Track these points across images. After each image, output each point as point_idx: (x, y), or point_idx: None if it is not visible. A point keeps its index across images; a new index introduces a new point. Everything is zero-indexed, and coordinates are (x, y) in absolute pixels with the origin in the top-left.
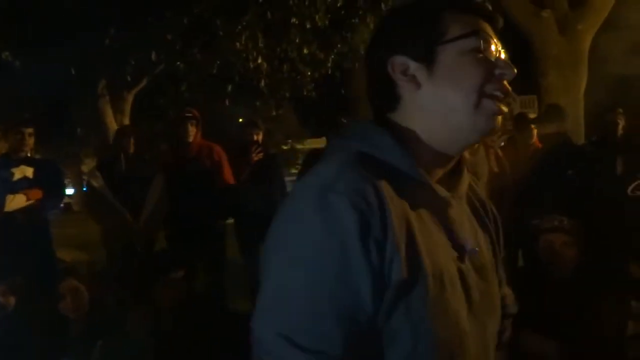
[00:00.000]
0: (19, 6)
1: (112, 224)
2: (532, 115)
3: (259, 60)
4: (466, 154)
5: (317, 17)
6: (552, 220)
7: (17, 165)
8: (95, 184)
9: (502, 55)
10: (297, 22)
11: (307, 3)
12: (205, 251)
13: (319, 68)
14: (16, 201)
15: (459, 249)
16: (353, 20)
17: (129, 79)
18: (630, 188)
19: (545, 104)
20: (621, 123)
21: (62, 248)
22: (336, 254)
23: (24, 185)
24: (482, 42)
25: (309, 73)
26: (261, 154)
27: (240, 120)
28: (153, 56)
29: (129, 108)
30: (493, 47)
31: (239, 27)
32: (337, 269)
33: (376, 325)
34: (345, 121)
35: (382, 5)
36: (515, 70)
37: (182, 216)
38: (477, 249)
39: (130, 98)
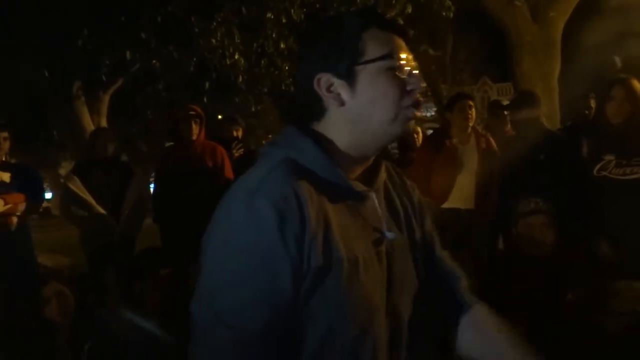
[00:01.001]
0: None
1: (91, 227)
2: (505, 103)
3: (236, 56)
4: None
5: (292, 11)
6: (529, 203)
7: None
8: (72, 187)
9: (414, 68)
10: (272, 16)
11: None
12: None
13: (296, 62)
14: None
15: (377, 235)
16: (329, 13)
17: (104, 79)
18: (596, 169)
19: (518, 90)
20: (593, 108)
21: (43, 253)
22: (260, 248)
23: (1, 190)
24: (396, 61)
25: (287, 67)
26: (242, 150)
27: (220, 117)
28: (128, 55)
29: (105, 109)
30: (406, 63)
31: (214, 23)
32: (261, 260)
33: (296, 307)
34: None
35: None
36: (424, 84)
37: (183, 215)
38: (393, 234)
39: (106, 99)
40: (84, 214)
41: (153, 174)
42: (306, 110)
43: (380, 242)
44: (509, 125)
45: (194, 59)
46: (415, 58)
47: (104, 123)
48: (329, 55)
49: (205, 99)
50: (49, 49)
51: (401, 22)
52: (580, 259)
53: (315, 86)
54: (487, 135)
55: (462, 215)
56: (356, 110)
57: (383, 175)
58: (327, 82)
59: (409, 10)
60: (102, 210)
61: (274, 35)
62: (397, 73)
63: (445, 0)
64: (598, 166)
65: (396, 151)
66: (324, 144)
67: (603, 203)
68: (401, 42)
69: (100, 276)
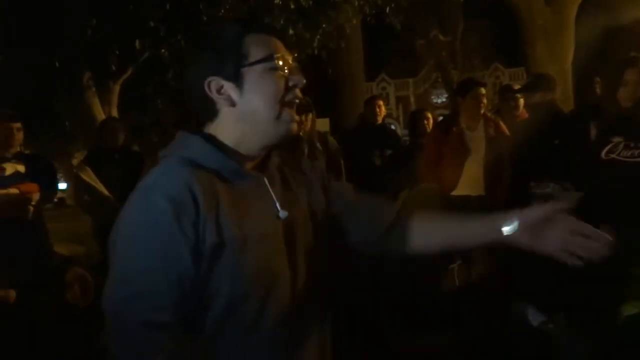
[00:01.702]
0: None
1: (103, 215)
2: (517, 87)
3: None
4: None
5: None
6: (545, 186)
7: (7, 161)
8: (84, 176)
9: (292, 66)
10: (280, 2)
11: None
12: None
13: (305, 49)
14: (9, 196)
15: (273, 213)
16: (336, 0)
17: (113, 69)
18: (604, 151)
19: (532, 74)
20: (599, 91)
21: (58, 242)
22: (159, 237)
23: (16, 180)
24: (277, 61)
25: (296, 54)
26: None
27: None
28: (137, 44)
29: (115, 99)
30: (284, 62)
31: (222, 10)
32: (162, 247)
33: (199, 283)
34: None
35: None
36: (304, 80)
37: None
38: (286, 212)
39: (116, 89)
40: (95, 203)
41: None
42: (199, 113)
43: (277, 218)
44: (520, 110)
45: None
46: (427, 44)
47: (114, 113)
48: (216, 59)
49: None
50: (58, 40)
51: (410, 7)
52: None
53: (207, 89)
54: (497, 120)
55: (472, 201)
56: (245, 109)
57: (274, 161)
58: (217, 85)
59: None
60: (113, 199)
61: (282, 22)
62: (279, 72)
63: None
64: (606, 149)
65: (407, 138)
66: (214, 141)
67: (611, 185)
68: (279, 44)
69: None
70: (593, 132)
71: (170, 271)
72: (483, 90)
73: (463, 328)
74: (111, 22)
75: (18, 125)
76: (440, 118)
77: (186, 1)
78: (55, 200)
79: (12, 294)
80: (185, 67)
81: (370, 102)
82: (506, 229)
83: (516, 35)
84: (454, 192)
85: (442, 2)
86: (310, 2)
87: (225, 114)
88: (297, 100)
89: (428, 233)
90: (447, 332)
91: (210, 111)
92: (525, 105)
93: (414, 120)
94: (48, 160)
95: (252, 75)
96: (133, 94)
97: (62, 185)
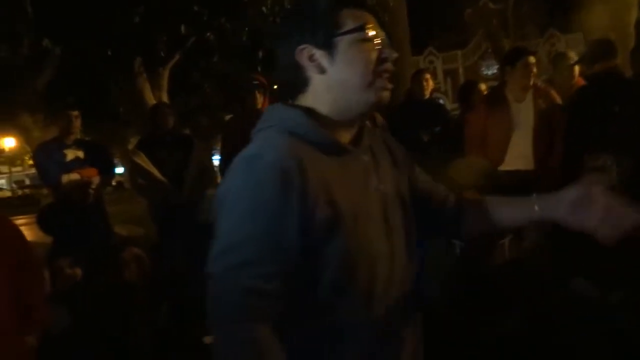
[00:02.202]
0: None
1: (157, 198)
2: (572, 55)
3: None
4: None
5: None
6: (596, 159)
7: (68, 147)
8: (138, 160)
9: (384, 41)
10: None
11: None
12: None
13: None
14: (71, 180)
15: (370, 189)
16: None
17: (162, 54)
18: None
19: (590, 41)
20: None
21: (117, 223)
22: (265, 205)
23: (76, 165)
24: (369, 33)
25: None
26: None
27: (275, 86)
28: (182, 29)
29: (165, 84)
30: (377, 35)
31: None
32: (268, 218)
33: (306, 257)
34: None
35: None
36: (396, 54)
37: None
38: (380, 186)
39: (165, 74)
40: (150, 186)
41: (215, 147)
42: (291, 84)
43: (373, 194)
44: (576, 79)
45: (246, 29)
46: (476, 13)
47: (164, 98)
48: (308, 28)
49: (259, 69)
50: (109, 30)
51: None
52: None
53: (298, 57)
54: (548, 90)
55: (522, 176)
56: (335, 77)
57: (367, 136)
58: (309, 52)
59: None
60: (166, 182)
61: None
62: (369, 43)
63: None
64: None
65: (456, 113)
66: (309, 112)
67: None
68: (372, 18)
69: (169, 244)
70: None
71: (275, 240)
72: (533, 59)
73: (521, 306)
74: (157, 7)
75: (76, 113)
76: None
77: None
78: (114, 183)
79: (79, 272)
80: (279, 37)
81: (417, 77)
82: (538, 208)
83: None
84: (502, 167)
85: None
86: None
87: (316, 83)
88: (387, 74)
89: (473, 219)
90: (507, 312)
91: (301, 80)
92: (582, 74)
93: (466, 93)
94: (105, 146)
95: (344, 44)
96: (181, 78)
97: (120, 170)
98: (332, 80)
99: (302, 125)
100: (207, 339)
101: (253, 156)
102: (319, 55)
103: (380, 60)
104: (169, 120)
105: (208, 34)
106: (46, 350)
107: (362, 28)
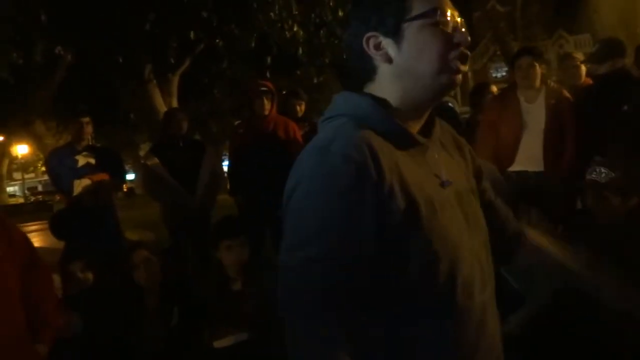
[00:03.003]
0: (63, 3)
1: (170, 202)
2: (578, 55)
3: (295, 29)
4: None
5: None
6: (591, 171)
7: (79, 154)
8: (152, 165)
9: (459, 24)
10: None
11: None
12: (273, 220)
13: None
14: (82, 185)
15: (440, 181)
16: None
17: (172, 61)
18: None
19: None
20: None
21: (129, 229)
22: (338, 197)
23: (87, 171)
24: (439, 16)
25: None
26: (307, 128)
27: (284, 92)
28: (192, 36)
29: (175, 90)
30: (450, 19)
31: None
32: (343, 208)
33: (385, 249)
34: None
35: None
36: (469, 38)
37: (257, 188)
38: (451, 180)
39: (175, 80)
40: (164, 191)
41: (224, 153)
42: (358, 72)
43: (443, 186)
44: (583, 78)
45: (255, 35)
46: (484, 16)
47: (175, 104)
48: (376, 15)
49: (267, 74)
50: (120, 36)
51: None
52: None
53: (364, 46)
54: (560, 90)
55: (531, 177)
56: (403, 65)
57: (438, 128)
58: (375, 41)
59: None
60: (179, 187)
61: (331, 4)
62: (441, 27)
63: None
64: None
65: (466, 116)
66: (379, 101)
67: None
68: (445, 0)
69: (181, 247)
70: None
71: (353, 232)
72: (529, 60)
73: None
74: (167, 15)
75: (87, 119)
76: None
77: None
78: (125, 189)
79: (90, 276)
80: (347, 24)
81: None
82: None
83: (580, 0)
84: (512, 168)
85: None
86: None
87: (384, 72)
88: (460, 59)
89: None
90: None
91: (368, 69)
92: (589, 75)
93: (478, 95)
94: (115, 151)
95: (412, 30)
96: (191, 84)
97: (130, 176)
98: (399, 69)
99: (372, 114)
100: (217, 344)
101: (324, 147)
102: (386, 43)
103: (452, 45)
104: (183, 126)
105: (217, 40)
106: (58, 354)
107: (432, 12)
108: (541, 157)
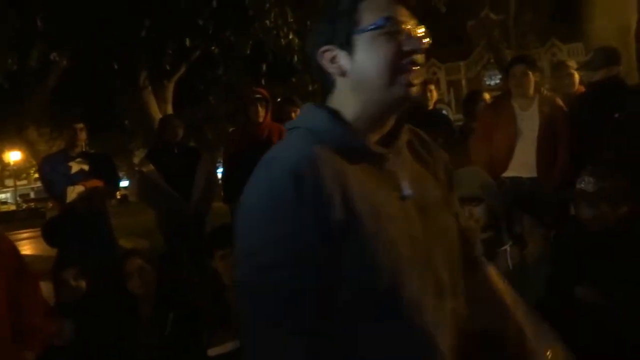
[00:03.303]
0: (60, 8)
1: (166, 209)
2: (571, 63)
3: (290, 36)
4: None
5: None
6: (580, 181)
7: (73, 160)
8: (147, 171)
9: (412, 31)
10: None
11: None
12: None
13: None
14: (76, 192)
15: (400, 193)
16: None
17: (168, 67)
18: None
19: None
20: None
21: (122, 236)
22: (280, 211)
23: (81, 177)
24: (391, 26)
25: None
26: None
27: (278, 99)
28: (188, 42)
29: (171, 96)
30: (403, 26)
31: (267, 4)
32: (283, 220)
33: (325, 262)
34: None
35: None
36: (427, 40)
37: None
38: (414, 192)
39: (171, 87)
40: (158, 197)
41: (219, 159)
42: (322, 84)
43: (404, 199)
44: (576, 86)
45: (250, 42)
46: (478, 24)
47: (170, 110)
48: (329, 28)
49: (263, 81)
50: (115, 42)
51: None
52: None
53: (319, 59)
54: (554, 98)
55: (525, 183)
56: (356, 77)
57: (404, 137)
58: (330, 54)
59: None
60: (175, 193)
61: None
62: (392, 37)
63: None
64: None
65: (459, 123)
66: (338, 115)
67: None
68: (399, 7)
69: (176, 254)
70: None
71: (295, 242)
72: (522, 68)
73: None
74: (163, 22)
75: (81, 125)
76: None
77: None
78: (119, 196)
79: (83, 284)
80: (307, 38)
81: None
82: None
83: (573, 9)
84: (506, 174)
85: None
86: None
87: (340, 85)
88: (414, 67)
89: (482, 298)
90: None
91: (327, 82)
92: (582, 82)
93: (471, 102)
94: (108, 157)
95: (363, 41)
96: (186, 91)
97: (124, 183)
98: (353, 81)
99: (326, 126)
100: (211, 352)
101: (270, 158)
102: (340, 56)
103: (402, 53)
104: (178, 132)
105: (213, 47)
106: None
107: (383, 21)
108: (534, 164)
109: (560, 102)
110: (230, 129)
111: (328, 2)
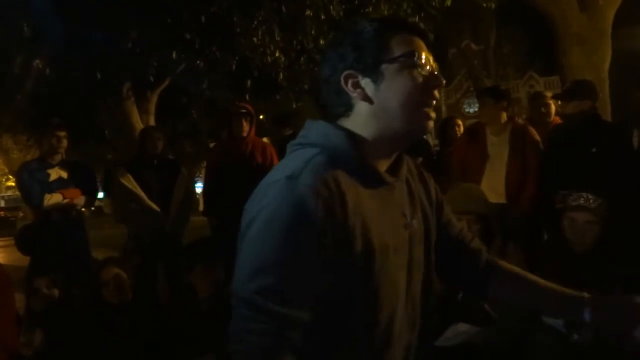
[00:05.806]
0: (44, 15)
1: (144, 221)
2: (548, 94)
3: (277, 54)
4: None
5: (331, 7)
6: (578, 197)
7: (52, 167)
8: (126, 183)
9: (433, 66)
10: (311, 14)
11: None
12: None
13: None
14: (54, 199)
15: (405, 222)
16: (367, 10)
17: (152, 79)
18: None
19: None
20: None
21: (95, 248)
22: (302, 231)
23: (59, 185)
24: (417, 60)
25: None
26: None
27: (261, 117)
28: (174, 55)
29: (153, 108)
30: (425, 61)
31: (255, 22)
32: (303, 241)
33: (335, 288)
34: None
35: None
36: (444, 80)
37: (232, 209)
38: (414, 221)
39: (154, 98)
40: (137, 209)
41: (197, 173)
42: (334, 106)
43: (406, 228)
44: (552, 117)
45: (236, 58)
46: (459, 53)
47: (152, 122)
48: (355, 54)
49: (247, 97)
50: (99, 52)
51: (441, 16)
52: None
53: (342, 83)
54: (526, 127)
55: (492, 208)
56: (380, 105)
57: (405, 166)
58: (354, 80)
59: (449, 3)
60: (154, 206)
61: (313, 32)
62: (418, 71)
63: None
64: None
65: (437, 149)
66: (354, 138)
67: None
68: (422, 44)
69: (152, 268)
70: (635, 141)
71: (308, 268)
72: (490, 100)
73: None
74: (149, 34)
75: (63, 133)
76: None
77: (221, 14)
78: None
79: (56, 292)
80: (325, 60)
81: None
82: (587, 315)
83: (551, 43)
84: None
85: (474, 10)
86: (341, 13)
87: (360, 110)
88: (434, 101)
89: (508, 290)
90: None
91: (345, 106)
92: (558, 113)
93: (444, 128)
94: (88, 167)
95: (390, 71)
96: (169, 103)
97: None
98: (376, 109)
99: (345, 150)
100: None
101: (292, 177)
102: (365, 82)
103: (427, 88)
104: (158, 145)
105: (198, 61)
106: None
107: (411, 54)
108: (503, 190)
109: (532, 132)
110: (211, 144)
111: (352, 28)
